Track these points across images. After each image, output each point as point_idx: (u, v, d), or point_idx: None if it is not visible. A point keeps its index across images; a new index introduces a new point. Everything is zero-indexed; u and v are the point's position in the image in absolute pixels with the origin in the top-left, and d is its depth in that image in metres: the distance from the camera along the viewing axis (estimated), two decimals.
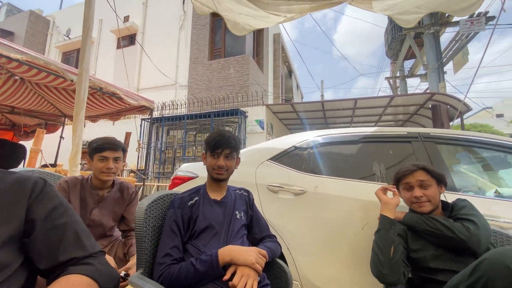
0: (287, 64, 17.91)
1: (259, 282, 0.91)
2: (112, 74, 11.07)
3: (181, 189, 1.63)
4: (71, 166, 2.35)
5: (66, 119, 6.16)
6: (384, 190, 1.27)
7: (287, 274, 1.07)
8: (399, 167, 1.29)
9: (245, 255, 0.90)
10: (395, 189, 1.25)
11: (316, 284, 1.45)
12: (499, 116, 23.13)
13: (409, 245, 1.12)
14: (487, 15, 5.79)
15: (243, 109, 7.55)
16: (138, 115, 5.49)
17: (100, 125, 6.29)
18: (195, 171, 1.88)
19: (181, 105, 8.54)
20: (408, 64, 9.73)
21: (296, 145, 1.84)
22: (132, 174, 5.51)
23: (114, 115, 5.64)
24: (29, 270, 0.56)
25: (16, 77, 3.75)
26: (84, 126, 2.94)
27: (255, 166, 1.81)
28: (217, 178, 1.11)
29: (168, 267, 0.91)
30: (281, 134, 9.38)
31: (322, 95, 14.82)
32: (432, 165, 1.44)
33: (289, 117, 8.69)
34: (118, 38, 11.06)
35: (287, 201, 1.63)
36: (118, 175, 1.55)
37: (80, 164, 2.53)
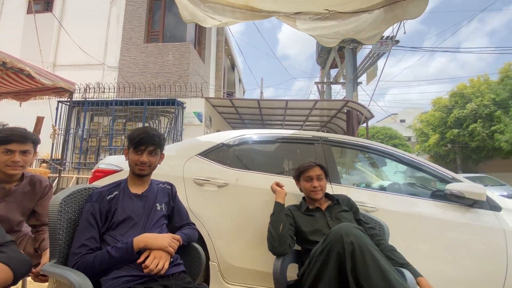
0: (230, 57, 17.90)
1: (171, 262, 1.05)
2: (19, 45, 9.22)
3: (104, 182, 1.63)
4: None
5: None
6: (277, 184, 1.59)
7: (200, 255, 1.24)
8: (301, 163, 1.62)
9: (159, 240, 1.02)
10: (283, 185, 1.59)
11: (230, 263, 1.68)
12: (402, 121, 28.13)
13: (296, 223, 1.45)
14: (394, 39, 7.05)
15: (181, 99, 7.35)
16: (53, 97, 4.81)
17: (3, 106, 5.28)
18: (119, 164, 1.87)
19: (109, 89, 7.76)
20: (334, 72, 11.08)
21: (224, 142, 2.02)
22: (44, 164, 4.83)
23: (22, 95, 4.81)
24: None
25: None
26: None
27: (184, 160, 1.92)
28: (139, 173, 1.17)
29: (83, 257, 0.97)
30: (221, 128, 9.48)
31: (261, 93, 15.43)
32: (326, 163, 1.83)
33: (229, 111, 8.84)
34: (29, 1, 9.22)
35: (211, 193, 1.80)
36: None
37: None
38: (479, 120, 14.64)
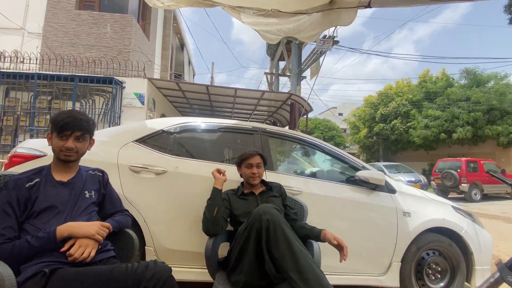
0: (179, 36, 16.85)
1: (99, 249, 1.05)
2: None
3: (23, 169, 1.49)
4: None
5: None
6: (218, 170, 1.70)
7: (133, 241, 1.27)
8: (242, 152, 1.74)
9: (85, 229, 1.01)
10: (225, 171, 1.71)
11: (167, 246, 1.75)
12: (340, 114, 31.00)
13: (232, 206, 1.59)
14: (334, 39, 7.65)
15: (119, 78, 6.73)
16: None
17: None
18: (42, 148, 1.71)
19: (31, 59, 6.63)
20: (283, 64, 11.54)
21: (164, 129, 2.01)
22: None
23: None
24: None
25: None
26: None
27: (119, 147, 1.85)
28: (65, 160, 1.11)
29: (0, 246, 0.92)
30: (167, 113, 9.03)
31: (212, 78, 15.03)
32: (263, 151, 2.00)
33: (175, 95, 8.44)
34: None
35: (148, 180, 1.80)
36: None
37: None
38: (399, 117, 17.17)
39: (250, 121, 9.64)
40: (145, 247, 1.73)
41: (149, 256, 1.73)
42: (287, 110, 7.73)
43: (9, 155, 1.76)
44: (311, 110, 7.11)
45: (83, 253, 0.97)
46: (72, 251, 0.96)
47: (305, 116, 7.46)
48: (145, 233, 1.73)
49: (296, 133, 2.28)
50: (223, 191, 1.64)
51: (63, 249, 0.97)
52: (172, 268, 1.73)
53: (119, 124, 6.38)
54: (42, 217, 1.02)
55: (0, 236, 0.94)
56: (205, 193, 1.66)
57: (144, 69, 7.30)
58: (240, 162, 1.72)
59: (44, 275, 0.89)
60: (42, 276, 0.89)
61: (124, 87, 6.79)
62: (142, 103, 6.84)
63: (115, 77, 6.55)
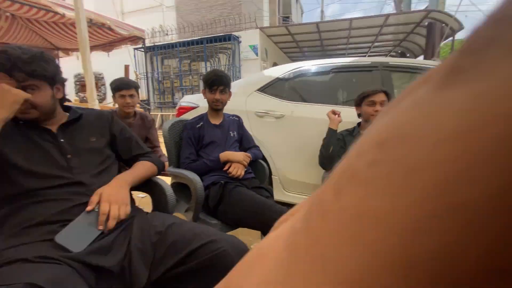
0: None
1: (245, 171, 1.46)
2: None
3: (186, 116, 2.09)
4: (91, 100, 2.77)
5: (59, 52, 6.14)
6: (333, 112, 1.73)
7: (265, 169, 1.64)
8: (360, 92, 1.67)
9: (236, 156, 1.42)
10: (340, 112, 1.71)
11: (288, 177, 2.09)
12: None
13: (346, 145, 1.68)
14: None
15: (235, 33, 7.31)
16: (129, 45, 5.49)
17: (95, 58, 6.32)
18: (196, 101, 2.31)
19: (171, 30, 8.19)
20: None
21: (279, 76, 2.21)
22: (138, 105, 5.97)
23: (107, 46, 5.64)
24: (118, 159, 1.08)
25: (7, 14, 3.73)
26: (78, 59, 3.16)
27: (245, 96, 2.23)
28: (216, 108, 1.52)
29: (189, 164, 1.45)
30: (278, 60, 9.27)
31: (322, 12, 13.54)
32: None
33: (285, 40, 8.41)
34: None
35: (270, 123, 2.12)
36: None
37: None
38: None
39: (369, 56, 8.43)
40: (272, 176, 2.14)
41: (276, 184, 2.14)
42: (423, 34, 6.12)
43: (177, 107, 2.47)
44: (461, 28, 4.99)
45: (238, 171, 1.39)
46: (230, 170, 1.40)
47: (450, 39, 5.46)
48: (271, 165, 2.11)
49: (431, 63, 1.92)
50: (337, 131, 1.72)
51: (225, 169, 1.42)
52: (294, 195, 2.13)
53: (240, 78, 7.19)
54: (209, 148, 1.50)
55: (188, 158, 1.47)
56: (318, 133, 1.79)
57: (255, 20, 7.55)
58: (360, 100, 1.63)
59: (221, 185, 1.35)
60: (220, 185, 1.35)
61: (240, 41, 7.37)
62: (256, 54, 7.28)
63: (232, 33, 7.17)
